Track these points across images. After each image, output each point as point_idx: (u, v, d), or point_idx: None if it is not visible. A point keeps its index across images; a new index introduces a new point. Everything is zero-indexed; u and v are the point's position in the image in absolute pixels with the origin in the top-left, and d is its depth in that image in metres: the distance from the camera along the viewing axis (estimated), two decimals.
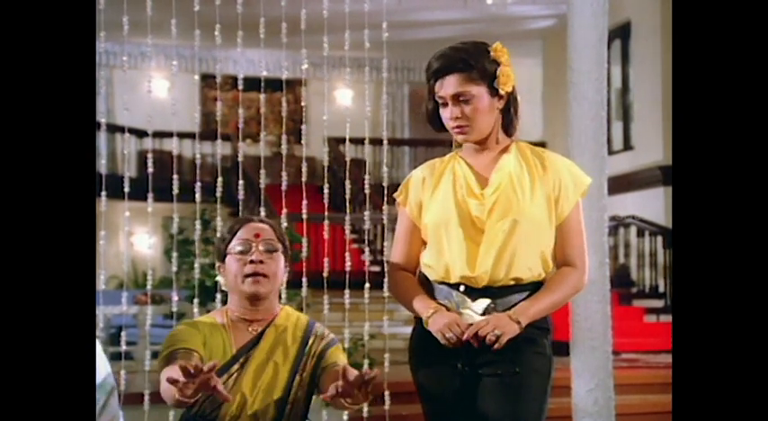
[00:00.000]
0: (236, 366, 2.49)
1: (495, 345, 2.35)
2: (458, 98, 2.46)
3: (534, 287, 2.48)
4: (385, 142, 4.51)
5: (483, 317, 2.43)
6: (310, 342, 2.57)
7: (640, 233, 9.55)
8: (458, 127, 2.49)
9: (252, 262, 2.50)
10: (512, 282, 2.46)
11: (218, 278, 2.64)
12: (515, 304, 2.44)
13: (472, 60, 2.45)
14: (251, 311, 2.55)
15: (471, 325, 2.40)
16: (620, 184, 9.09)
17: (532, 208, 2.46)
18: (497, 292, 2.46)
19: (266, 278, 2.52)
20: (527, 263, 2.46)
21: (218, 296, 4.04)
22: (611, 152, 5.78)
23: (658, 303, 9.05)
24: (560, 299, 2.49)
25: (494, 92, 2.47)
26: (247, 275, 2.50)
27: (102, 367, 2.36)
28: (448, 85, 2.46)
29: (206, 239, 5.47)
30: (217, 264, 2.61)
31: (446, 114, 2.49)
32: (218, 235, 2.66)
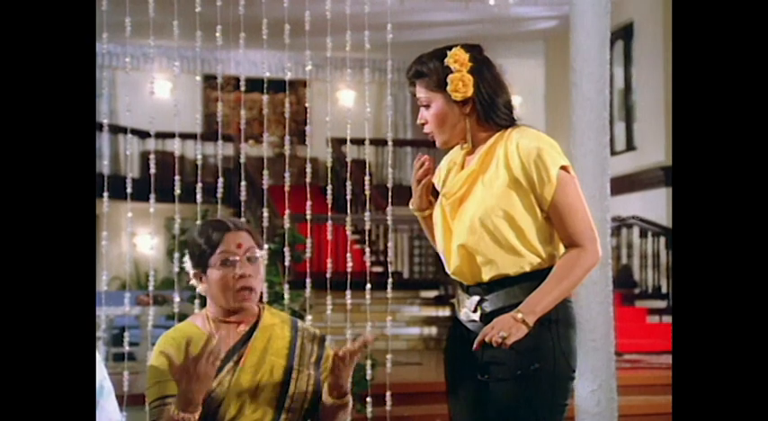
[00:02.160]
0: (229, 365, 2.48)
1: (502, 346, 2.31)
2: (422, 103, 2.54)
3: (531, 277, 2.42)
4: (390, 143, 4.51)
5: (477, 314, 2.45)
6: (299, 340, 2.57)
7: (643, 234, 9.55)
8: (427, 132, 2.56)
9: (241, 277, 2.49)
10: (497, 278, 2.44)
11: (198, 286, 2.57)
12: (511, 300, 2.40)
13: (425, 69, 2.51)
14: (235, 316, 2.56)
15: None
16: (622, 185, 9.10)
17: (497, 201, 2.42)
18: (487, 288, 2.45)
19: (253, 290, 2.52)
20: (504, 257, 2.42)
21: None
22: (613, 153, 5.79)
23: (661, 304, 9.05)
24: (570, 284, 2.41)
25: (450, 98, 2.48)
26: (237, 291, 2.49)
27: (97, 371, 2.35)
28: (417, 91, 2.55)
29: None
30: (192, 272, 2.54)
31: (418, 119, 2.58)
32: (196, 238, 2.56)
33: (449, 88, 2.46)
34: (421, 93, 2.52)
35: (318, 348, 2.60)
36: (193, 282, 2.57)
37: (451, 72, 2.46)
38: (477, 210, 2.44)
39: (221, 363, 2.47)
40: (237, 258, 2.49)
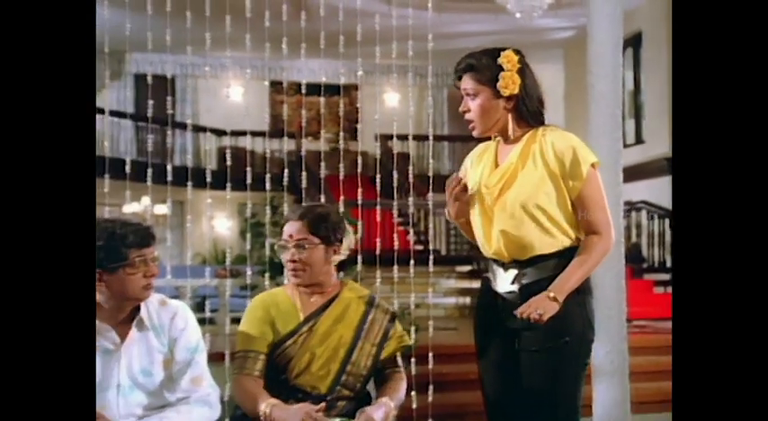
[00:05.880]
0: (305, 328, 2.54)
1: (538, 323, 2.30)
2: (468, 94, 2.49)
3: (562, 254, 2.42)
4: (430, 138, 4.50)
5: (515, 285, 2.43)
6: (371, 315, 2.61)
7: (650, 216, 9.44)
8: (467, 120, 2.52)
9: (290, 261, 2.56)
10: (534, 255, 2.43)
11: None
12: (547, 273, 2.40)
13: (478, 64, 2.47)
14: (311, 288, 2.60)
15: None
16: (632, 174, 8.92)
17: (535, 191, 2.41)
18: (525, 264, 2.44)
19: (303, 271, 2.56)
20: (541, 239, 2.41)
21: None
22: (624, 145, 5.70)
23: (666, 277, 8.95)
24: (591, 265, 2.42)
25: (498, 93, 2.46)
26: (289, 270, 2.58)
27: (195, 332, 2.42)
28: (463, 83, 2.50)
29: (274, 222, 5.52)
30: (276, 246, 2.65)
31: (461, 107, 2.53)
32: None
33: (499, 84, 2.44)
34: (469, 84, 2.48)
35: (387, 324, 2.62)
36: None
37: (503, 70, 2.45)
38: (516, 199, 2.42)
39: (297, 326, 2.54)
40: (288, 245, 2.56)
